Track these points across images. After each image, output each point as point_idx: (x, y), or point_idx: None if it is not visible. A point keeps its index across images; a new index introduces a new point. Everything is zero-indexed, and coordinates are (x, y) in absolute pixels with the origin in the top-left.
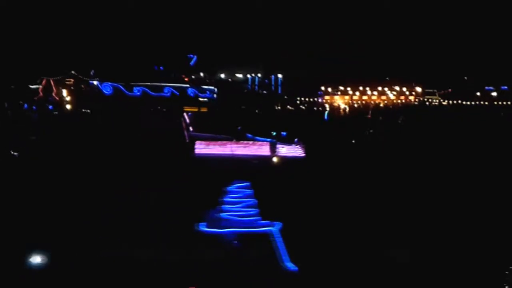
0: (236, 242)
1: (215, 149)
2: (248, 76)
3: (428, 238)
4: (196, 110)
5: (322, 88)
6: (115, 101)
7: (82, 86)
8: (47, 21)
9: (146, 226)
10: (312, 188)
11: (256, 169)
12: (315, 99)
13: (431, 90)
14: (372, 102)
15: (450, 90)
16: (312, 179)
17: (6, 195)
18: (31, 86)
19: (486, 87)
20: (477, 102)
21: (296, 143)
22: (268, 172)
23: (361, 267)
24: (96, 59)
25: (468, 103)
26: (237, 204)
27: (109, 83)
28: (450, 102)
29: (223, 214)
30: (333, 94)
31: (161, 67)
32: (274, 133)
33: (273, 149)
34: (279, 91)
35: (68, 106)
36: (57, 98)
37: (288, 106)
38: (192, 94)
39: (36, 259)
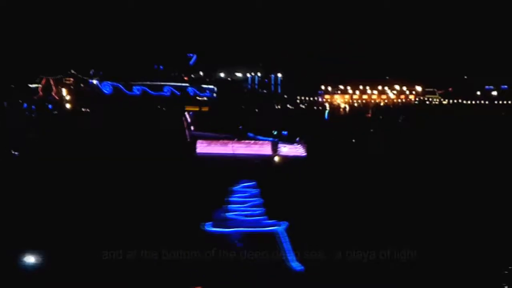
0: (238, 242)
1: (217, 148)
2: (248, 75)
3: (429, 237)
4: (198, 109)
5: (322, 87)
6: (115, 100)
7: (82, 85)
8: (47, 20)
9: (151, 226)
10: (317, 187)
11: (260, 168)
12: (315, 98)
13: (431, 89)
14: (372, 101)
15: (450, 89)
16: (317, 178)
17: (7, 195)
18: (30, 86)
19: (486, 87)
20: (478, 102)
21: (298, 143)
22: (273, 171)
23: (367, 267)
24: (96, 58)
25: (469, 102)
26: (243, 204)
27: (109, 82)
28: (451, 101)
29: (229, 214)
30: (333, 93)
31: (161, 66)
32: (275, 132)
33: (274, 148)
34: (279, 91)
35: (68, 106)
36: (56, 97)
37: (288, 105)
38: (191, 93)
39: (33, 259)
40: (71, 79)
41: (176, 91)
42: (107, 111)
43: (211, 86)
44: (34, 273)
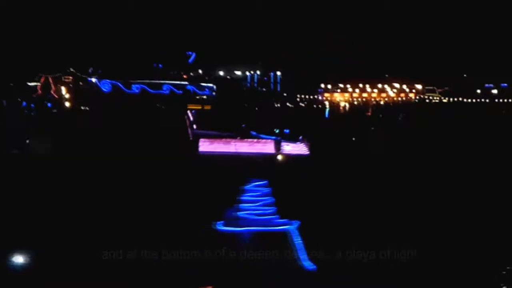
0: (249, 241)
1: (219, 147)
2: (247, 73)
3: (431, 237)
4: (200, 107)
5: (322, 85)
6: (114, 99)
7: (81, 83)
8: (46, 19)
9: (153, 226)
10: (323, 186)
11: (266, 167)
12: (315, 96)
13: (431, 88)
14: (372, 99)
15: (447, 88)
16: (322, 177)
17: (6, 194)
18: (29, 84)
19: (486, 85)
20: (478, 100)
21: (301, 141)
22: (278, 169)
23: (379, 266)
24: (95, 57)
25: (469, 100)
26: (255, 203)
27: (108, 80)
28: (451, 99)
29: (241, 213)
30: (333, 91)
31: (160, 65)
32: (277, 131)
33: (277, 147)
34: (278, 89)
35: (67, 104)
36: (56, 95)
37: (288, 104)
38: (190, 92)
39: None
40: (70, 77)
41: (175, 90)
42: (107, 109)
43: (210, 85)
44: (34, 273)
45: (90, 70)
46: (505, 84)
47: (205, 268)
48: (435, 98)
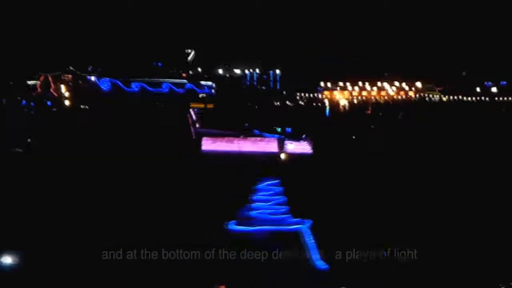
0: (260, 239)
1: (222, 146)
2: (246, 71)
3: (429, 237)
4: (203, 106)
5: (322, 83)
6: (114, 97)
7: (80, 82)
8: (45, 17)
9: (173, 226)
10: (330, 185)
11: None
12: (315, 94)
13: (430, 86)
14: (372, 97)
15: (447, 86)
16: (328, 175)
17: (6, 193)
18: (29, 82)
19: (486, 83)
20: (478, 98)
21: (304, 139)
22: (289, 169)
23: (391, 264)
24: (94, 55)
25: (469, 98)
26: (267, 202)
27: (107, 78)
28: (451, 97)
29: (253, 212)
30: (332, 89)
31: (159, 63)
32: (279, 129)
33: (281, 145)
34: (278, 87)
35: (67, 102)
36: (55, 94)
37: (287, 102)
38: (195, 90)
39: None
40: (70, 75)
41: (174, 88)
42: (106, 107)
43: (210, 83)
44: (35, 273)
45: (89, 69)
46: (504, 82)
47: (218, 267)
48: (434, 96)
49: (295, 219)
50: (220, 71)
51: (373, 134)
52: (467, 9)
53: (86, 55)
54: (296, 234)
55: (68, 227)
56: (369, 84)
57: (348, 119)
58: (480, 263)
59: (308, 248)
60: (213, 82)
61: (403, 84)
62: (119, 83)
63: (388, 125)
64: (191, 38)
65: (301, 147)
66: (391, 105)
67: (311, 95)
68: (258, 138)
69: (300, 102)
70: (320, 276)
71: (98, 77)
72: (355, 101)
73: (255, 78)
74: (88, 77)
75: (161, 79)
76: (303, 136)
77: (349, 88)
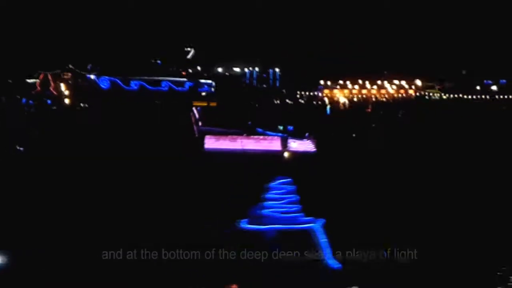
0: (272, 238)
1: (225, 144)
2: (246, 70)
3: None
4: (206, 104)
5: (322, 82)
6: (113, 95)
7: (79, 80)
8: (44, 15)
9: (183, 225)
10: (341, 184)
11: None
12: (315, 93)
13: (430, 84)
14: (372, 96)
15: (448, 84)
16: (333, 174)
17: (6, 193)
18: (28, 81)
19: (485, 81)
20: (479, 96)
21: (307, 138)
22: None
23: (404, 263)
24: (94, 53)
25: (469, 97)
26: (279, 201)
27: (107, 77)
28: (451, 96)
29: (265, 211)
30: (332, 87)
31: (159, 61)
32: (281, 127)
33: (284, 144)
34: (277, 85)
35: (66, 100)
36: (55, 92)
37: (287, 100)
38: (187, 88)
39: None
40: (69, 74)
41: (174, 86)
42: (105, 106)
43: (209, 81)
44: (35, 273)
45: (89, 67)
46: (504, 81)
47: (229, 266)
48: (435, 94)
49: (308, 218)
50: (220, 69)
51: (374, 132)
52: (467, 7)
53: (85, 53)
54: (309, 233)
55: (68, 227)
56: (369, 83)
57: (348, 118)
58: (480, 263)
59: (320, 247)
60: (212, 80)
61: (403, 82)
62: (119, 81)
63: (388, 123)
64: (191, 36)
65: (304, 145)
66: (391, 103)
67: (311, 93)
68: (261, 137)
69: (300, 101)
70: (333, 275)
71: (98, 75)
72: (355, 99)
73: (254, 77)
74: (88, 75)
75: (160, 78)
76: (306, 134)
77: (349, 86)
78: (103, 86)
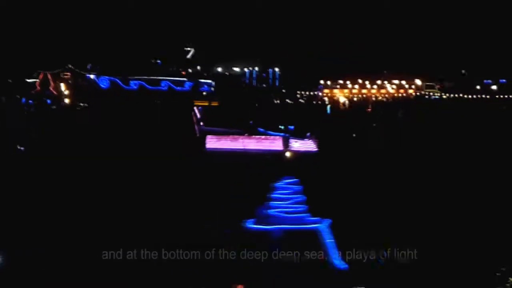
0: (278, 238)
1: (227, 144)
2: (246, 69)
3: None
4: (207, 104)
5: (322, 81)
6: (113, 95)
7: (79, 80)
8: (44, 15)
9: (183, 225)
10: (347, 184)
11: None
12: (315, 92)
13: (430, 84)
14: (372, 95)
15: (448, 83)
16: (341, 175)
17: (6, 192)
18: (28, 80)
19: (485, 81)
20: (479, 96)
21: (309, 137)
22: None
23: (410, 263)
24: (93, 53)
25: (469, 96)
26: (286, 201)
27: (106, 77)
28: (451, 95)
29: (271, 211)
30: (332, 87)
31: (158, 61)
32: (282, 127)
33: (286, 143)
34: (277, 85)
35: (66, 100)
36: (54, 92)
37: (287, 100)
38: (187, 88)
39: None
40: (69, 73)
41: (173, 86)
42: (105, 105)
43: (209, 81)
44: (35, 273)
45: (88, 67)
46: (504, 80)
47: (235, 266)
48: (434, 94)
49: (314, 218)
50: (219, 69)
51: (374, 132)
52: (467, 7)
53: (85, 53)
54: (315, 233)
55: (68, 227)
56: (369, 83)
57: (348, 117)
58: (480, 263)
59: (326, 247)
60: (212, 80)
61: (403, 82)
62: (118, 81)
63: (388, 123)
64: (191, 36)
65: (306, 145)
66: (391, 103)
67: (311, 93)
68: (263, 136)
69: (300, 100)
70: (339, 275)
71: (97, 75)
72: (355, 99)
73: (254, 76)
74: (87, 75)
75: (160, 77)
76: (308, 134)
77: (349, 86)
78: (102, 86)
